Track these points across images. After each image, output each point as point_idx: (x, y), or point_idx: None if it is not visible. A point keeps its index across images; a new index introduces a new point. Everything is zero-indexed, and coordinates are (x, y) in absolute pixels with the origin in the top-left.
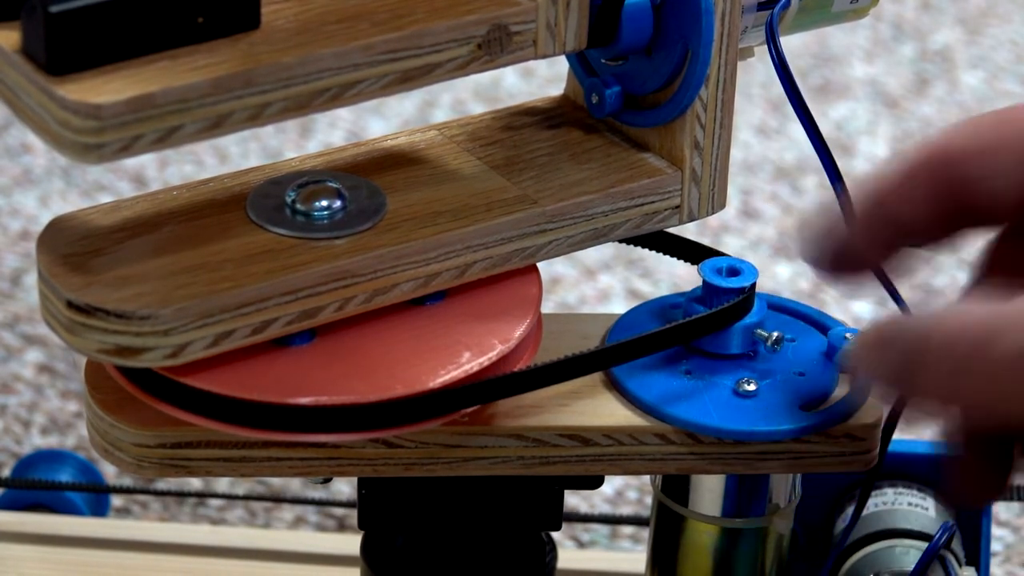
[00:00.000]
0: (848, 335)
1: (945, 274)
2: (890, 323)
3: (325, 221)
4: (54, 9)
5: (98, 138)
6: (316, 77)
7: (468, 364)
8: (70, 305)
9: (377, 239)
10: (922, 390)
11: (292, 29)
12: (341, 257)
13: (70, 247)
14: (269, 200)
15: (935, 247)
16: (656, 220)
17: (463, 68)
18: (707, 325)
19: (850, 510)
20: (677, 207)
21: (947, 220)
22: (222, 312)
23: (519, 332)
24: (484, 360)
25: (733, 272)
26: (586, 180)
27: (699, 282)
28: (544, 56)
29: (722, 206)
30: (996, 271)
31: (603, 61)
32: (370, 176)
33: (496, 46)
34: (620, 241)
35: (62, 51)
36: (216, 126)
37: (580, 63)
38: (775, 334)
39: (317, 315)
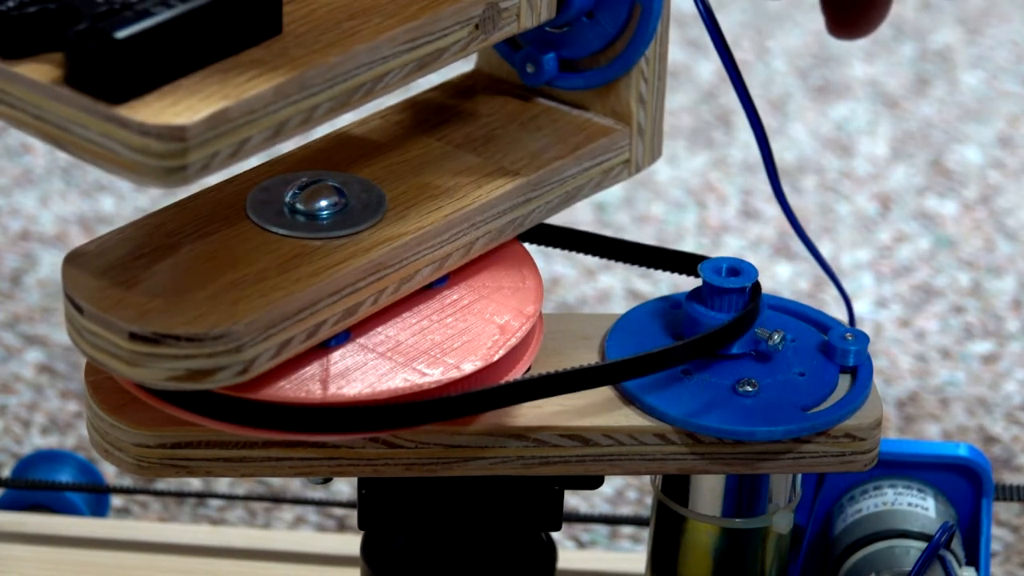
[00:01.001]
0: (848, 335)
1: (945, 274)
2: None
3: (330, 220)
4: (120, 35)
5: (182, 160)
6: (355, 74)
7: (513, 332)
8: (134, 337)
9: (396, 229)
10: None
11: (314, 30)
12: (372, 251)
13: (101, 280)
14: (271, 206)
15: None
16: (612, 176)
17: (464, 50)
18: (725, 336)
19: (850, 510)
20: (627, 161)
21: None
22: (283, 320)
23: (535, 294)
24: (521, 331)
25: (733, 272)
26: (549, 147)
27: (699, 282)
28: (525, 29)
29: (659, 154)
30: None
31: (547, 29)
32: (347, 170)
33: (490, 24)
34: (626, 261)
35: (127, 77)
36: (277, 134)
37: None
38: (776, 334)
39: (357, 311)
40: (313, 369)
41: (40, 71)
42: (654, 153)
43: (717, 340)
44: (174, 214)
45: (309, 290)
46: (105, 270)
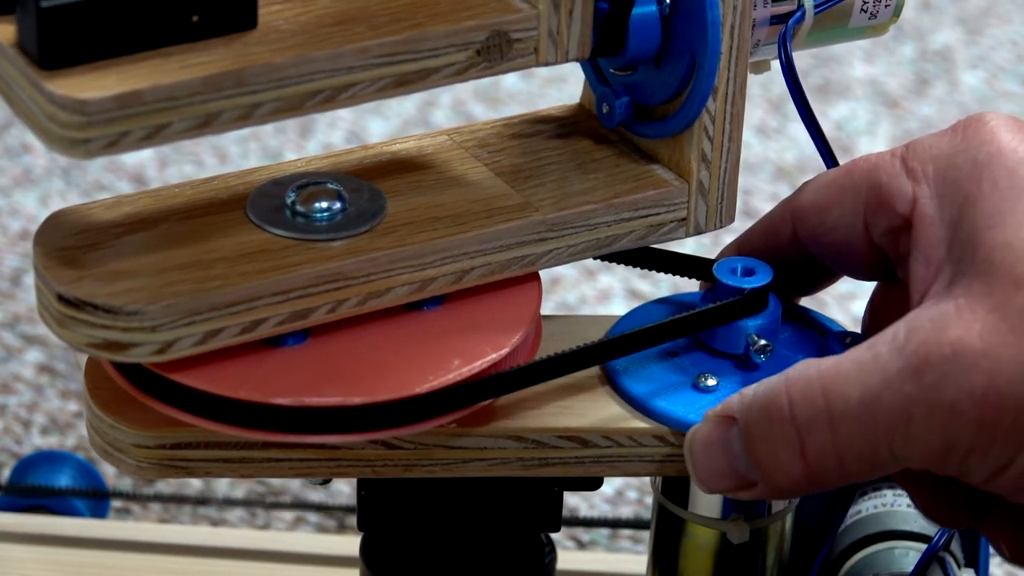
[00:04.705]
0: (848, 338)
1: None
2: (724, 413)
3: (324, 223)
4: (45, 4)
5: (84, 133)
6: (309, 79)
7: (458, 370)
8: (60, 299)
9: (373, 242)
10: (774, 463)
11: (289, 30)
12: (334, 259)
13: (66, 240)
14: (269, 200)
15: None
16: (661, 232)
17: (461, 74)
18: (709, 319)
19: (849, 511)
20: (683, 220)
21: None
22: (211, 310)
23: (513, 341)
24: (476, 366)
25: (748, 272)
26: (590, 190)
27: (697, 284)
28: (546, 64)
29: (731, 220)
30: (875, 323)
31: (612, 71)
32: (375, 180)
33: (496, 52)
34: (630, 264)
35: (53, 46)
36: (205, 124)
37: (594, 72)
38: (762, 342)
39: (309, 316)
40: (267, 370)
41: (5, 31)
42: (723, 217)
43: (699, 322)
44: (181, 191)
45: (249, 285)
46: (79, 231)
